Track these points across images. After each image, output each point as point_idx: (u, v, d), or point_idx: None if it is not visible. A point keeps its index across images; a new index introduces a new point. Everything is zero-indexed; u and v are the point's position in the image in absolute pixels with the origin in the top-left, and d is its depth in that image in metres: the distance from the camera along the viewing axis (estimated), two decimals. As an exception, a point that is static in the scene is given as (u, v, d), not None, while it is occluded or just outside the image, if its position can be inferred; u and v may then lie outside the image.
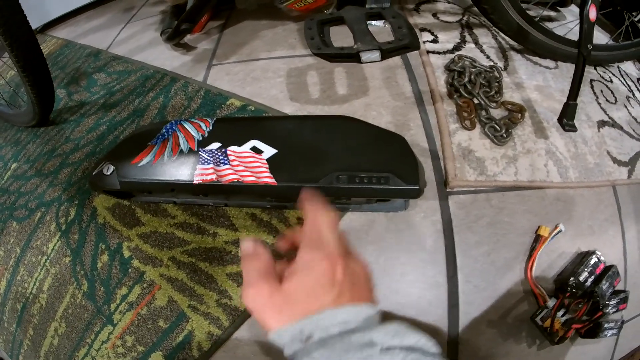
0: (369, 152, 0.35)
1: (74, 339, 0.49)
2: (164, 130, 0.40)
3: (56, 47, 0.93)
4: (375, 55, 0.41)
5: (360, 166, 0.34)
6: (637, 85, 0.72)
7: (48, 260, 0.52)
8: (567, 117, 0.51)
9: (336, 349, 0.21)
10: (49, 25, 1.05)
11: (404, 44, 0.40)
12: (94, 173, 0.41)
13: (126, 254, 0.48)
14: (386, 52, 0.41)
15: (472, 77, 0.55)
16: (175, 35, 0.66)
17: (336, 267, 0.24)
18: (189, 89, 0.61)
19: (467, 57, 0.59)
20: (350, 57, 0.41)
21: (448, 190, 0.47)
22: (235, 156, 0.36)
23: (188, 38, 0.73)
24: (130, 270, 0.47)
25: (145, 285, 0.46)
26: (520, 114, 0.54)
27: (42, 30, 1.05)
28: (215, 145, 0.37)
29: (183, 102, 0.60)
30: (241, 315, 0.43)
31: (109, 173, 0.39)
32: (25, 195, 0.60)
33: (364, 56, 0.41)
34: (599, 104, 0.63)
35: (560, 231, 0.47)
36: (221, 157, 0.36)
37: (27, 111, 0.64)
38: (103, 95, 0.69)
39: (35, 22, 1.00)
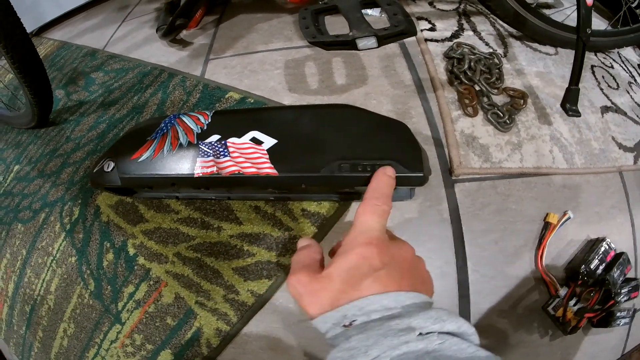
0: (371, 139, 0.34)
1: (83, 339, 0.49)
2: (163, 125, 0.39)
3: (53, 49, 0.92)
4: (372, 41, 0.40)
5: (363, 154, 0.33)
6: (638, 71, 0.71)
7: (54, 261, 0.52)
8: (570, 102, 0.51)
9: (374, 334, 0.21)
10: (45, 27, 1.05)
11: (399, 29, 0.40)
12: (94, 170, 0.40)
13: (131, 251, 0.48)
14: (382, 39, 0.40)
15: (472, 63, 0.55)
16: (170, 31, 0.66)
17: (374, 253, 0.24)
18: (187, 83, 0.61)
19: (466, 44, 0.58)
20: (346, 44, 0.41)
21: (453, 178, 0.47)
22: (235, 148, 0.35)
23: (184, 34, 0.72)
24: (135, 267, 0.47)
25: (151, 283, 0.46)
26: (522, 100, 0.53)
27: (38, 33, 1.04)
28: (214, 138, 0.36)
29: (182, 97, 0.59)
30: (249, 311, 0.42)
31: (109, 170, 0.39)
32: (29, 196, 0.60)
33: (360, 43, 0.40)
34: (601, 89, 0.62)
35: (568, 218, 0.47)
36: (221, 149, 0.36)
37: (26, 113, 0.64)
38: (101, 93, 0.68)
39: (30, 26, 1.00)
